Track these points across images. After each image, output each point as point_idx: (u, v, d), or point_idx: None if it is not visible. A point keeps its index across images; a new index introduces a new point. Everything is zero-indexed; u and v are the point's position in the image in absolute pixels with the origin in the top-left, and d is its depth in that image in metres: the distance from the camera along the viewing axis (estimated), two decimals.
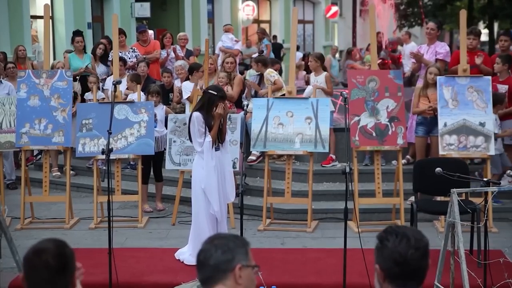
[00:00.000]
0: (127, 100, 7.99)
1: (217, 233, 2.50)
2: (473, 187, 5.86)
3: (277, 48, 17.18)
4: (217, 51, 12.98)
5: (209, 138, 5.85)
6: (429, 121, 7.68)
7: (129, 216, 7.84)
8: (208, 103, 5.88)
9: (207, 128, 5.86)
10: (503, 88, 7.86)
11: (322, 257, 6.31)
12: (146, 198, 8.06)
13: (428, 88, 7.67)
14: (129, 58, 10.07)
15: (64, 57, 10.37)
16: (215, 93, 5.89)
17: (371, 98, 7.44)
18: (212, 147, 5.91)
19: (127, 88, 8.73)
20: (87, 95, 9.42)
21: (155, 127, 7.90)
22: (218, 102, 5.84)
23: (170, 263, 6.13)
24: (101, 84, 9.58)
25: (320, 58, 8.69)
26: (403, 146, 7.42)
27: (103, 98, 8.88)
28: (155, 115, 7.90)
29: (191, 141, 6.07)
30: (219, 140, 6.00)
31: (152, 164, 8.06)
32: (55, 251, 2.36)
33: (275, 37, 20.46)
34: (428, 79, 7.64)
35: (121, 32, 10.26)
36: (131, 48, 10.39)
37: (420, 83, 8.10)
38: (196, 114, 5.88)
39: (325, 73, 8.58)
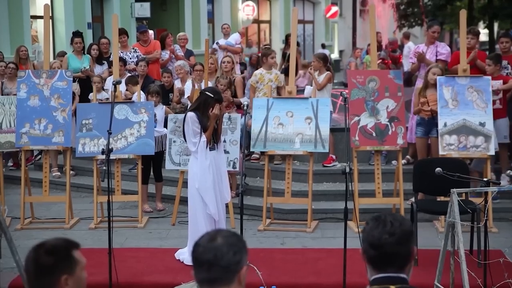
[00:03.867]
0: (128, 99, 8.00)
1: (216, 230, 2.42)
2: (473, 187, 5.86)
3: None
4: (214, 45, 12.95)
5: (204, 138, 5.87)
6: (427, 122, 7.69)
7: (129, 216, 7.84)
8: (204, 104, 5.91)
9: (201, 129, 5.88)
10: (497, 83, 7.80)
11: (322, 257, 6.31)
12: (146, 198, 8.07)
13: (428, 89, 7.66)
14: (130, 59, 10.07)
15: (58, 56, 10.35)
16: (212, 95, 5.92)
17: (371, 98, 7.44)
18: (207, 147, 5.93)
19: (126, 90, 8.72)
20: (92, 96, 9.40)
21: (155, 127, 7.90)
22: (214, 105, 5.87)
23: (170, 263, 6.13)
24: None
25: (323, 58, 8.68)
26: (403, 146, 7.42)
27: (107, 98, 8.84)
28: (155, 115, 7.90)
29: (185, 140, 6.10)
30: (214, 140, 6.02)
31: (152, 164, 8.06)
32: (48, 251, 2.35)
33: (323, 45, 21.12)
34: (430, 79, 7.62)
35: (124, 32, 10.27)
36: (133, 49, 10.39)
37: (420, 83, 8.10)
38: (191, 114, 5.91)
39: (327, 72, 8.58)
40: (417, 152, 7.95)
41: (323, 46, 23.85)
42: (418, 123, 7.77)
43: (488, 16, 23.90)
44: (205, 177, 5.92)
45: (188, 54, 11.22)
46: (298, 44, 14.03)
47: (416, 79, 8.77)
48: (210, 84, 8.25)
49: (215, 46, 12.88)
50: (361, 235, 2.48)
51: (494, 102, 7.82)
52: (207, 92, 5.99)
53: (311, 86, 8.68)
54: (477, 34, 8.59)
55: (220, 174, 6.08)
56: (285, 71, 9.84)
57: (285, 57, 11.52)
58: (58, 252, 2.36)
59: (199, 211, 5.98)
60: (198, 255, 2.30)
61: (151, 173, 8.15)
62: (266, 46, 11.87)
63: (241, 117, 7.68)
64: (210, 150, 5.98)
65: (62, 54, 10.49)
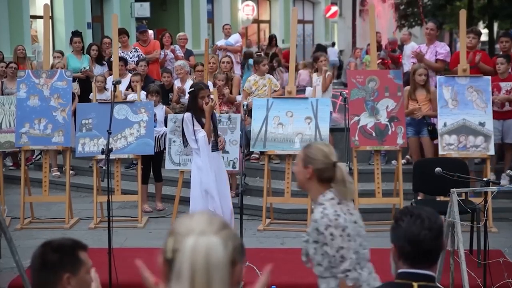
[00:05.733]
0: (127, 99, 8.00)
1: None
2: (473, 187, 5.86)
3: (322, 49, 18.74)
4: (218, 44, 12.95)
5: (203, 133, 5.95)
6: (416, 122, 7.71)
7: (129, 216, 7.84)
8: (192, 100, 6.11)
9: (200, 126, 6.02)
10: (507, 86, 7.83)
11: None
12: (146, 198, 8.07)
13: (416, 90, 7.67)
14: (131, 58, 10.05)
15: (55, 57, 10.32)
16: (193, 89, 6.20)
17: (370, 98, 7.44)
18: (209, 143, 6.02)
19: (130, 88, 8.68)
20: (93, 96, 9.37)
21: (155, 127, 7.90)
22: (200, 94, 6.03)
23: None
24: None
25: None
26: (402, 146, 7.42)
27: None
28: (155, 115, 7.90)
29: (184, 142, 6.24)
30: (215, 140, 6.09)
31: (152, 164, 8.06)
32: (54, 248, 2.37)
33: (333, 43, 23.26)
34: (417, 80, 7.64)
35: (124, 32, 10.25)
36: (134, 48, 10.37)
37: None
38: (187, 114, 6.11)
39: (329, 73, 8.61)
40: (411, 152, 7.97)
41: (333, 44, 24.45)
42: (408, 123, 7.76)
43: (488, 16, 23.90)
44: (208, 171, 5.99)
45: (188, 54, 11.21)
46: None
47: None
48: (210, 84, 8.26)
49: (218, 44, 12.84)
50: (393, 231, 2.43)
51: (503, 104, 7.83)
52: (190, 90, 6.26)
53: (311, 87, 8.67)
54: (479, 34, 8.62)
55: (221, 176, 6.14)
56: (270, 71, 10.01)
57: (268, 57, 11.70)
58: (64, 250, 2.39)
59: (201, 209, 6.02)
60: None
61: (151, 173, 8.15)
62: (258, 54, 11.96)
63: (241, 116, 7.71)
64: (212, 151, 6.06)
65: (60, 52, 10.45)
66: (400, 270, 2.41)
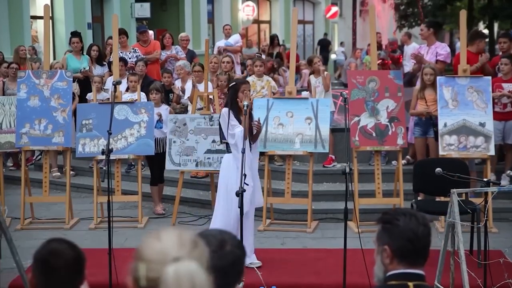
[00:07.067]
0: (128, 99, 7.99)
1: (220, 233, 2.34)
2: (473, 187, 5.86)
3: (325, 44, 21.41)
4: (215, 51, 12.94)
5: (240, 128, 5.84)
6: (424, 122, 7.71)
7: (129, 217, 7.84)
8: (233, 95, 5.97)
9: (237, 122, 5.91)
10: (510, 87, 7.81)
11: (322, 257, 6.31)
12: (157, 199, 8.06)
13: (426, 89, 7.68)
14: (130, 59, 10.05)
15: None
16: (235, 83, 6.11)
17: (371, 99, 7.45)
18: (246, 138, 5.89)
19: (128, 89, 8.69)
20: (90, 96, 9.38)
21: (161, 127, 7.89)
22: (241, 88, 5.93)
23: None
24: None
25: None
26: (403, 146, 7.43)
27: (108, 98, 8.82)
28: (160, 116, 7.89)
29: (221, 139, 6.16)
30: (250, 139, 5.97)
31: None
32: (73, 253, 2.34)
33: (325, 34, 25.28)
34: (425, 80, 7.66)
35: (123, 32, 10.25)
36: (133, 49, 10.36)
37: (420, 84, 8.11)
38: (224, 109, 6.01)
39: (326, 72, 8.62)
40: (416, 152, 7.98)
41: (342, 44, 24.80)
42: (415, 123, 7.80)
43: (488, 17, 23.92)
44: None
45: (190, 54, 11.19)
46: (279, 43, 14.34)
47: (417, 79, 8.77)
48: (210, 84, 8.26)
49: (219, 46, 12.84)
50: (387, 232, 2.40)
51: (505, 105, 7.83)
52: (231, 84, 6.14)
53: (307, 90, 8.68)
54: (486, 37, 8.69)
55: (254, 174, 6.05)
56: (271, 72, 10.03)
57: (273, 57, 11.74)
58: (75, 261, 2.37)
59: (220, 209, 6.01)
60: (215, 259, 2.19)
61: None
62: (257, 54, 11.96)
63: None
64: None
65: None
66: (390, 272, 2.39)
